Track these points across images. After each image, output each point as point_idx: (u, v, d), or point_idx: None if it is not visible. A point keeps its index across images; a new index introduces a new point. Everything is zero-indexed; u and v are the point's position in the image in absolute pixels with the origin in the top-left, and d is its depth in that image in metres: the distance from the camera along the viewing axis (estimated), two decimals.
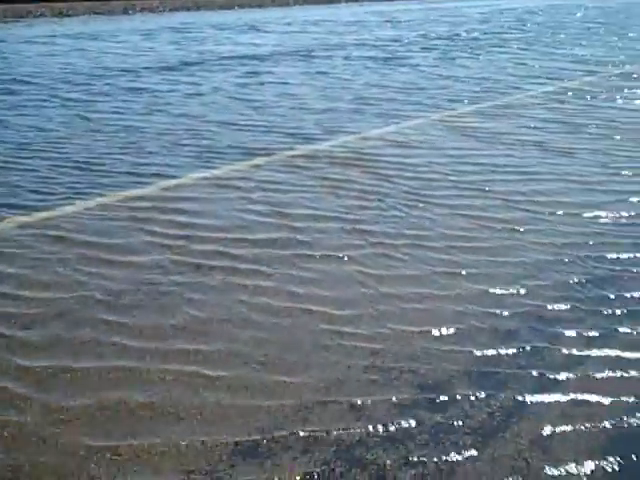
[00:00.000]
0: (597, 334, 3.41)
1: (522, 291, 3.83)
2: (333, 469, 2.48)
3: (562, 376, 3.05)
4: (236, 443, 2.61)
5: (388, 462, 2.52)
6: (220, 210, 4.94)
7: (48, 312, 3.50)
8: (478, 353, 3.22)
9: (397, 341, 3.31)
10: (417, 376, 3.04)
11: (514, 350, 3.25)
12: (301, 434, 2.65)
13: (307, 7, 24.42)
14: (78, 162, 6.01)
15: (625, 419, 2.77)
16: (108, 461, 2.50)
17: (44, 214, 4.81)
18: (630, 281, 3.98)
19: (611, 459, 2.55)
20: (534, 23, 19.67)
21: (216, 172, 5.82)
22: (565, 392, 2.94)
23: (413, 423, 2.73)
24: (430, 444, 2.62)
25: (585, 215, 4.98)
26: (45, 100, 8.58)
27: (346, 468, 2.49)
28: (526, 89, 9.93)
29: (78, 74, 10.42)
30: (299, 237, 4.47)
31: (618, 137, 7.29)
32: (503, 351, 3.24)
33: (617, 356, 3.23)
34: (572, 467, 2.51)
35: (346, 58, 12.49)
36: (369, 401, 2.85)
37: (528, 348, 3.27)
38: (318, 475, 2.46)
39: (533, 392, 2.94)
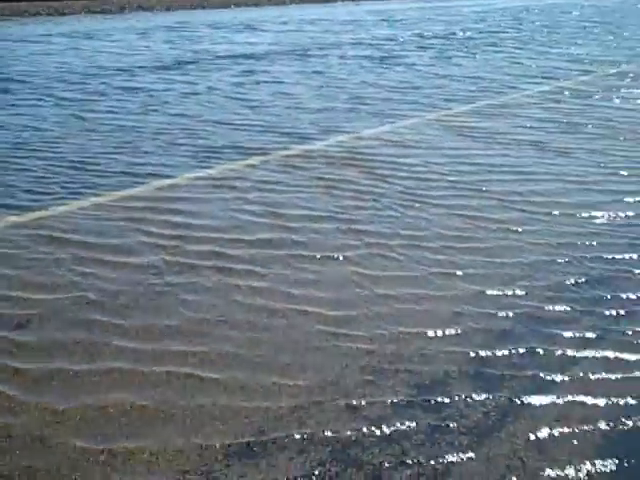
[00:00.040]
0: (593, 334, 3.41)
1: (518, 291, 3.82)
2: (329, 469, 2.48)
3: (558, 376, 3.05)
4: (232, 444, 2.60)
5: (384, 462, 2.52)
6: (215, 210, 4.93)
7: (42, 313, 3.49)
8: (474, 353, 3.22)
9: (393, 342, 3.30)
10: (413, 376, 3.03)
11: (510, 350, 3.25)
12: (297, 434, 2.65)
13: (303, 6, 24.40)
14: (73, 162, 5.99)
15: (621, 420, 2.77)
16: (103, 463, 2.49)
17: (38, 214, 4.79)
18: (626, 281, 3.98)
19: (606, 459, 2.55)
20: (530, 22, 19.68)
21: (211, 172, 5.81)
22: (561, 392, 2.94)
23: (409, 423, 2.72)
24: (426, 444, 2.62)
25: (581, 215, 4.97)
26: (40, 99, 8.55)
27: (342, 468, 2.49)
28: (522, 88, 9.92)
29: (73, 73, 10.39)
30: (294, 237, 4.46)
31: (615, 137, 7.29)
32: (499, 351, 3.24)
33: (613, 357, 3.23)
34: (567, 467, 2.51)
35: (342, 57, 12.47)
36: (365, 401, 2.85)
37: (524, 348, 3.27)
38: (314, 475, 2.46)
39: (529, 392, 2.93)
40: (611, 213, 5.01)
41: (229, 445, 2.59)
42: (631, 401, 2.89)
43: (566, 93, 9.64)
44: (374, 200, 5.17)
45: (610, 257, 4.29)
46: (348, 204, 5.08)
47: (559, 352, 3.25)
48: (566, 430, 2.70)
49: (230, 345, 3.24)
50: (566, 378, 3.04)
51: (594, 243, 4.50)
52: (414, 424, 2.72)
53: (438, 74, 10.92)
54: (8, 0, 20.39)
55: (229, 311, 3.55)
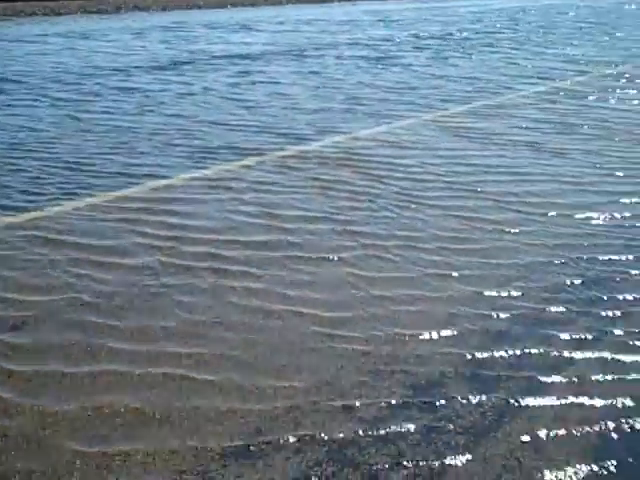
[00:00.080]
0: (589, 336, 3.40)
1: (514, 292, 3.82)
2: (325, 469, 2.48)
3: (554, 377, 3.05)
4: (228, 444, 2.60)
5: (380, 462, 2.52)
6: (211, 211, 4.92)
7: (37, 315, 3.48)
8: (470, 355, 3.22)
9: (389, 343, 3.30)
10: (409, 377, 3.03)
11: (506, 351, 3.24)
12: (293, 435, 2.65)
13: (300, 6, 24.39)
14: (68, 162, 5.98)
15: (617, 420, 2.77)
16: (99, 464, 2.48)
17: (33, 215, 4.78)
18: (622, 282, 3.98)
19: (603, 460, 2.55)
20: (526, 23, 19.69)
21: (207, 172, 5.80)
22: (557, 393, 2.94)
23: (405, 423, 2.72)
24: (422, 444, 2.62)
25: (577, 216, 4.97)
26: (35, 100, 8.54)
27: (338, 468, 2.49)
28: (518, 89, 9.93)
29: (69, 73, 10.37)
30: (290, 239, 4.45)
31: (610, 137, 7.30)
32: (495, 353, 3.24)
33: (609, 358, 3.23)
34: (564, 467, 2.51)
35: (338, 57, 12.46)
36: (361, 402, 2.85)
37: (520, 349, 3.27)
38: (311, 475, 2.45)
39: (525, 393, 2.93)
40: (607, 214, 5.01)
41: (225, 446, 2.59)
42: (627, 402, 2.89)
43: (562, 94, 9.65)
44: (370, 201, 5.16)
45: (606, 258, 4.29)
46: (344, 205, 5.07)
47: (555, 353, 3.24)
48: (563, 430, 2.70)
49: (226, 346, 3.23)
50: (562, 379, 3.04)
51: (590, 244, 4.50)
52: (410, 424, 2.72)
53: (434, 75, 10.93)
54: (4, 0, 20.35)
55: (225, 312, 3.54)
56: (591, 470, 2.50)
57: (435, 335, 3.37)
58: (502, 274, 4.04)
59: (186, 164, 6.02)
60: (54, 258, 4.10)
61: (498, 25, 18.92)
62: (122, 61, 11.60)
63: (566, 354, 3.24)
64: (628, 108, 8.89)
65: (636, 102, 9.25)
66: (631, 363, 3.19)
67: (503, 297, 3.77)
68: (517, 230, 4.69)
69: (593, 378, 3.06)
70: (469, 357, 3.20)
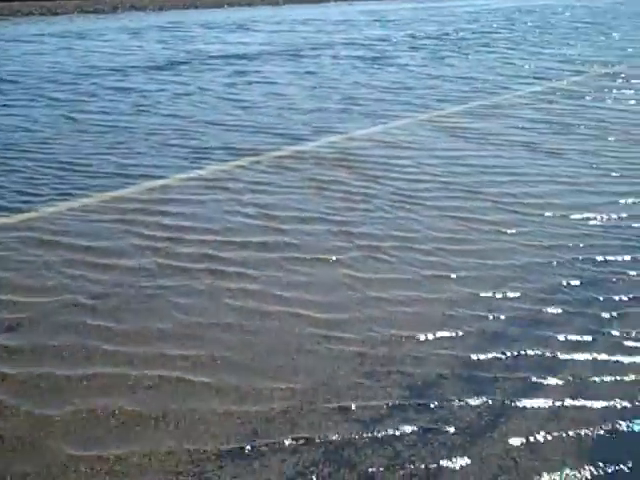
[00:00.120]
0: (586, 336, 3.40)
1: (511, 293, 3.81)
2: (322, 470, 2.48)
3: (550, 378, 3.05)
4: (224, 445, 2.59)
5: (376, 463, 2.52)
6: (207, 212, 4.90)
7: (32, 316, 3.46)
8: (466, 356, 3.21)
9: (385, 344, 3.29)
10: (405, 378, 3.02)
11: (502, 352, 3.24)
12: (289, 436, 2.64)
13: (296, 6, 24.37)
14: (63, 163, 5.96)
15: (613, 421, 2.77)
16: (94, 466, 2.47)
17: (28, 215, 4.76)
18: (619, 283, 3.98)
19: (599, 460, 2.55)
20: (522, 23, 19.70)
21: (203, 173, 5.78)
22: (553, 394, 2.93)
23: (401, 424, 2.72)
24: (418, 444, 2.62)
25: (574, 217, 4.97)
26: (31, 100, 8.52)
27: (335, 469, 2.49)
28: (514, 89, 9.93)
29: (65, 73, 10.35)
30: (286, 239, 4.44)
31: (607, 138, 7.30)
32: (491, 354, 3.23)
33: (606, 359, 3.22)
34: (560, 467, 2.51)
35: (334, 57, 12.45)
36: (357, 403, 2.84)
37: (516, 350, 3.26)
38: (307, 476, 2.45)
39: (521, 394, 2.93)
40: (604, 214, 5.01)
41: (222, 447, 2.58)
42: (623, 403, 2.89)
43: (558, 94, 9.65)
44: (366, 202, 5.15)
45: (603, 259, 4.28)
46: (340, 206, 5.06)
47: (552, 354, 3.24)
48: (559, 431, 2.70)
49: (222, 348, 3.22)
50: (558, 380, 3.04)
51: (587, 245, 4.49)
52: (407, 425, 2.71)
53: (431, 75, 10.92)
54: (2, 0, 20.31)
55: (221, 314, 3.53)
56: (587, 470, 2.50)
57: (431, 336, 3.37)
58: (499, 275, 4.04)
59: (182, 164, 6.00)
60: (49, 259, 4.09)
61: (494, 25, 18.92)
62: (118, 61, 11.58)
63: (562, 355, 3.24)
64: (624, 108, 8.89)
65: (632, 102, 9.25)
66: (627, 364, 3.18)
67: (499, 298, 3.77)
68: (514, 231, 4.68)
69: (589, 379, 3.06)
70: (465, 358, 3.19)
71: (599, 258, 4.29)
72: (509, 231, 4.67)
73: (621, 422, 2.77)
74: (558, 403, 2.88)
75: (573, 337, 3.39)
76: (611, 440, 2.68)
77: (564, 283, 3.95)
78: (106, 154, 6.25)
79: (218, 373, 3.03)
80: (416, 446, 2.61)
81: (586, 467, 2.51)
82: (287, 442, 2.61)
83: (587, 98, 9.39)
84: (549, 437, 2.66)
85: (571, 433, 2.69)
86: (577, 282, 3.96)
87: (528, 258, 4.27)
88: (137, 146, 6.55)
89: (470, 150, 6.69)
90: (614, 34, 17.14)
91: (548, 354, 3.24)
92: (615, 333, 3.44)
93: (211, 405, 2.82)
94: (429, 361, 3.17)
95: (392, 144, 6.82)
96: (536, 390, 2.97)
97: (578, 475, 2.48)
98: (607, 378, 3.07)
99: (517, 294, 3.81)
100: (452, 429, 2.70)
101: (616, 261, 4.27)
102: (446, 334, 3.39)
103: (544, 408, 2.85)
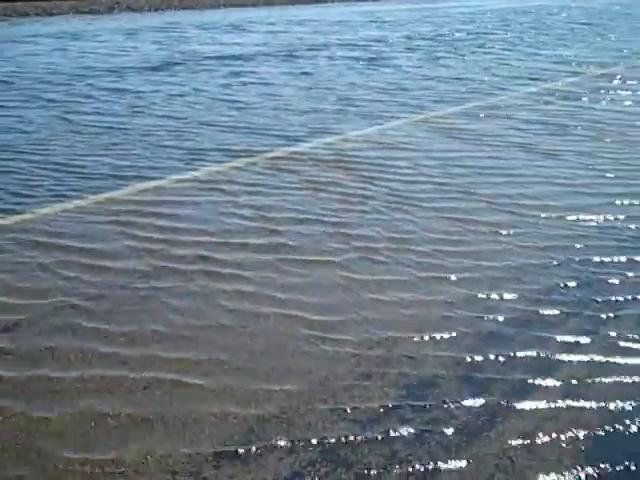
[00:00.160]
0: (582, 337, 3.40)
1: (507, 294, 3.80)
2: (318, 469, 2.48)
3: (547, 379, 3.05)
4: (221, 446, 2.58)
5: (373, 462, 2.51)
6: (202, 213, 4.89)
7: (27, 318, 3.45)
8: (463, 357, 3.20)
9: (381, 346, 3.28)
10: (402, 379, 3.02)
11: (499, 353, 3.23)
12: (286, 436, 2.64)
13: (292, 7, 24.38)
14: (58, 164, 5.95)
15: (609, 421, 2.77)
16: (90, 470, 2.46)
17: (23, 217, 4.75)
18: (615, 284, 3.97)
19: (595, 460, 2.55)
20: (518, 24, 19.72)
21: (198, 174, 5.77)
22: (550, 395, 2.93)
23: (398, 424, 2.72)
24: (415, 444, 2.62)
25: (570, 218, 4.96)
26: (26, 101, 8.50)
27: (331, 468, 2.48)
28: (510, 90, 9.93)
29: (60, 74, 10.33)
30: (281, 241, 4.43)
31: (603, 139, 7.29)
32: (488, 354, 3.22)
33: (602, 359, 3.22)
34: (556, 467, 2.51)
35: (330, 58, 12.45)
36: (353, 404, 2.84)
37: (513, 351, 3.25)
38: (304, 475, 2.45)
39: (518, 395, 2.92)
40: (600, 215, 5.00)
41: (218, 448, 2.57)
42: (620, 403, 2.88)
43: (554, 95, 9.65)
44: (362, 203, 5.14)
45: (599, 260, 4.28)
46: (336, 207, 5.05)
47: (548, 355, 3.23)
48: (555, 431, 2.69)
49: (218, 349, 3.21)
50: (555, 381, 3.04)
51: (583, 245, 4.49)
52: (403, 426, 2.71)
53: (426, 75, 10.92)
54: (3, 0, 20.27)
55: (216, 316, 3.52)
56: (583, 470, 2.50)
57: (427, 337, 3.36)
58: (495, 276, 4.03)
59: (177, 165, 5.99)
60: (43, 261, 4.07)
61: (490, 26, 18.94)
62: (114, 62, 11.56)
63: (559, 356, 3.23)
64: (620, 109, 8.90)
65: (628, 103, 9.26)
66: (624, 365, 3.18)
67: (495, 299, 3.76)
68: (510, 232, 4.68)
69: (586, 380, 3.05)
70: (461, 359, 3.19)
71: (595, 259, 4.29)
72: (505, 232, 4.67)
73: (617, 423, 2.76)
74: (554, 403, 2.88)
75: (569, 338, 3.38)
76: (607, 440, 2.68)
77: (560, 284, 3.95)
78: (101, 155, 6.24)
79: (214, 374, 3.02)
80: (413, 446, 2.60)
81: (582, 467, 2.51)
82: (283, 443, 2.61)
83: (583, 99, 9.39)
84: (546, 437, 2.66)
85: (567, 433, 2.69)
86: (573, 283, 3.96)
87: (524, 259, 4.26)
88: (132, 147, 6.53)
89: (466, 151, 6.68)
90: (610, 35, 17.17)
91: (544, 355, 3.23)
92: (611, 334, 3.43)
93: (207, 406, 2.81)
94: (425, 362, 3.16)
95: (388, 145, 6.82)
96: (532, 390, 2.96)
97: (574, 475, 2.48)
98: (603, 379, 3.06)
99: (513, 295, 3.80)
100: (449, 429, 2.70)
101: (612, 262, 4.26)
102: (442, 335, 3.38)
103: (540, 408, 2.85)
